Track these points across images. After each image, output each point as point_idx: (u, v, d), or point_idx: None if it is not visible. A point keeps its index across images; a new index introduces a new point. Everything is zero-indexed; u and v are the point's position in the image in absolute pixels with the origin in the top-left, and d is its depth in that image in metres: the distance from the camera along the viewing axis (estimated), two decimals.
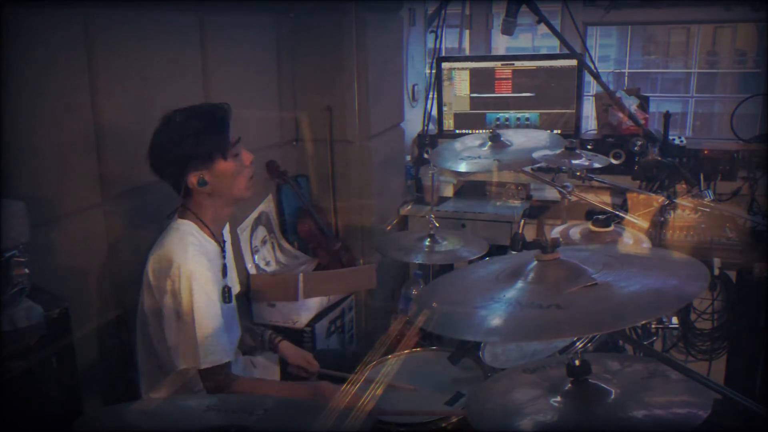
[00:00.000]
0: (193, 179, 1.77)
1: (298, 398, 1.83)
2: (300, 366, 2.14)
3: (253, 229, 2.84)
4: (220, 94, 2.49)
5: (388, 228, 3.38)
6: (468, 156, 2.30)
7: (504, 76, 3.44)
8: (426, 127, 3.62)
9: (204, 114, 1.80)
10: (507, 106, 3.46)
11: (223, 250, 1.91)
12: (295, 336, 2.66)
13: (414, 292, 2.46)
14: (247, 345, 2.19)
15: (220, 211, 1.87)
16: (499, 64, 3.46)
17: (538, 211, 3.34)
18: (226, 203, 1.87)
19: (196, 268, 1.73)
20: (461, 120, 3.53)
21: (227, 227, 2.03)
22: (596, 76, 2.89)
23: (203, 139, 1.76)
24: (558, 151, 2.21)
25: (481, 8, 3.81)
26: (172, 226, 1.83)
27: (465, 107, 3.51)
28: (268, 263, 2.90)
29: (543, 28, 2.50)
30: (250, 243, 2.81)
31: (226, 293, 1.88)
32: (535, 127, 3.42)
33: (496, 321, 1.13)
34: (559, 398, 1.29)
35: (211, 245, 1.86)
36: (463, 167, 2.28)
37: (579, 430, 1.23)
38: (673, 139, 3.05)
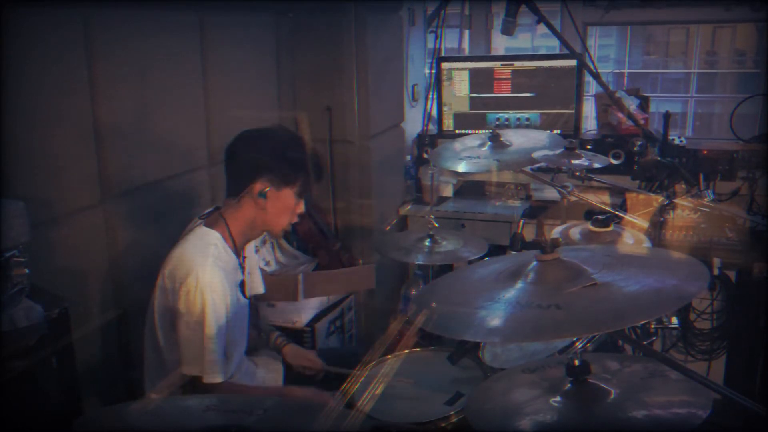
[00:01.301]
0: (258, 186, 1.80)
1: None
2: (305, 366, 2.16)
3: None
4: (220, 94, 2.50)
5: (388, 228, 3.38)
6: (468, 156, 2.30)
7: (504, 77, 3.44)
8: (426, 127, 3.62)
9: (306, 150, 1.90)
10: (507, 106, 3.46)
11: (241, 265, 1.92)
12: (295, 336, 2.65)
13: (413, 292, 2.46)
14: (253, 341, 2.20)
15: (251, 231, 1.90)
16: (498, 64, 3.46)
17: (537, 211, 3.34)
18: (260, 228, 1.90)
19: (213, 281, 1.74)
20: (461, 120, 3.53)
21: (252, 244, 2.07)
22: (596, 76, 2.89)
23: (295, 164, 1.84)
24: (558, 151, 2.21)
25: (481, 8, 3.81)
26: (197, 232, 1.83)
27: (465, 107, 3.51)
28: (267, 263, 2.90)
29: (543, 28, 2.50)
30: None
31: (241, 307, 1.90)
32: (535, 127, 3.42)
33: (495, 321, 1.13)
34: (558, 398, 1.29)
35: (232, 259, 1.86)
36: (463, 167, 2.28)
37: (579, 430, 1.23)
38: (673, 139, 3.05)
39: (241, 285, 1.91)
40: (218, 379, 1.76)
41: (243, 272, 1.93)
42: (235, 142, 1.85)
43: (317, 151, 2.86)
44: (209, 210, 1.92)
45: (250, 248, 2.05)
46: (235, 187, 1.84)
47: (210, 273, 1.74)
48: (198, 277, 1.72)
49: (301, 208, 1.91)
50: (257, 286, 2.16)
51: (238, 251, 1.90)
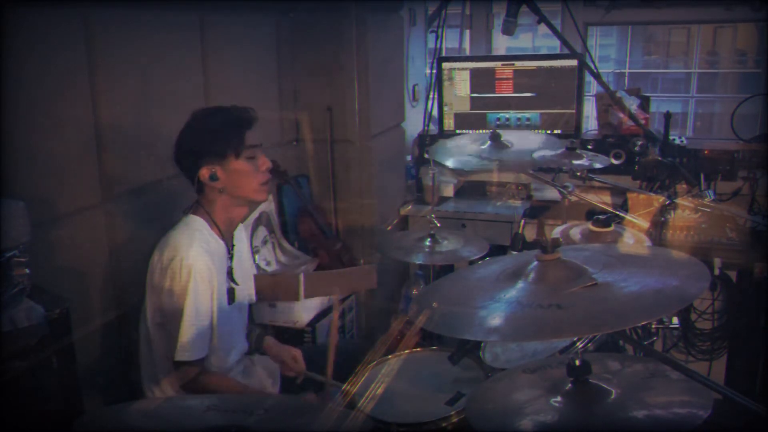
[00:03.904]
0: (204, 172, 1.82)
1: None
2: (284, 363, 2.11)
3: (254, 229, 2.84)
4: (221, 94, 2.49)
5: (389, 228, 3.38)
6: (468, 155, 2.30)
7: (505, 76, 3.44)
8: (427, 127, 3.62)
9: (226, 113, 1.87)
10: (508, 106, 3.46)
11: (229, 252, 1.92)
12: (296, 336, 2.66)
13: (414, 292, 2.46)
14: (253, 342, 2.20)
15: (230, 211, 1.90)
16: (499, 64, 3.45)
17: (538, 211, 3.33)
18: (237, 203, 1.90)
19: (197, 263, 1.76)
20: (462, 120, 3.53)
21: (246, 231, 2.06)
22: (597, 76, 2.89)
23: (220, 135, 1.83)
24: (559, 152, 2.21)
25: (482, 8, 3.81)
26: (183, 220, 1.87)
27: (466, 107, 3.51)
28: (268, 263, 2.90)
29: (543, 28, 2.50)
30: (251, 243, 2.81)
31: (231, 294, 1.89)
32: (536, 127, 3.42)
33: (496, 321, 1.13)
34: (559, 398, 1.29)
35: (219, 245, 1.88)
36: (463, 166, 2.28)
37: (579, 431, 1.23)
38: (674, 139, 3.05)
39: (229, 272, 1.92)
40: (187, 357, 1.76)
41: (232, 258, 1.93)
42: (174, 153, 1.86)
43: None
44: (190, 205, 1.93)
45: (240, 237, 2.04)
46: (194, 185, 1.87)
47: (195, 255, 1.76)
48: (182, 258, 1.75)
49: (265, 162, 1.89)
50: (248, 287, 2.10)
51: (226, 238, 1.91)
